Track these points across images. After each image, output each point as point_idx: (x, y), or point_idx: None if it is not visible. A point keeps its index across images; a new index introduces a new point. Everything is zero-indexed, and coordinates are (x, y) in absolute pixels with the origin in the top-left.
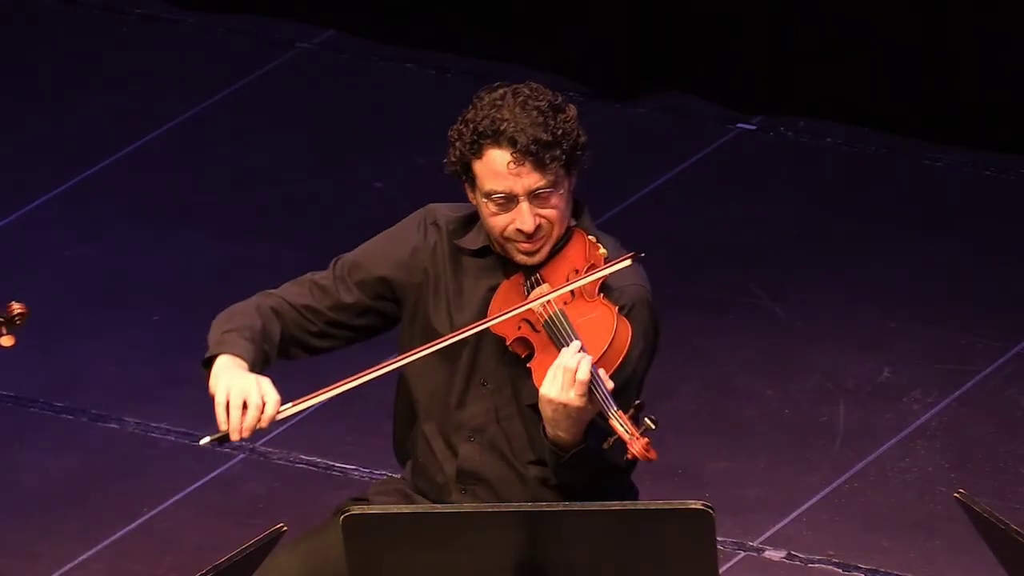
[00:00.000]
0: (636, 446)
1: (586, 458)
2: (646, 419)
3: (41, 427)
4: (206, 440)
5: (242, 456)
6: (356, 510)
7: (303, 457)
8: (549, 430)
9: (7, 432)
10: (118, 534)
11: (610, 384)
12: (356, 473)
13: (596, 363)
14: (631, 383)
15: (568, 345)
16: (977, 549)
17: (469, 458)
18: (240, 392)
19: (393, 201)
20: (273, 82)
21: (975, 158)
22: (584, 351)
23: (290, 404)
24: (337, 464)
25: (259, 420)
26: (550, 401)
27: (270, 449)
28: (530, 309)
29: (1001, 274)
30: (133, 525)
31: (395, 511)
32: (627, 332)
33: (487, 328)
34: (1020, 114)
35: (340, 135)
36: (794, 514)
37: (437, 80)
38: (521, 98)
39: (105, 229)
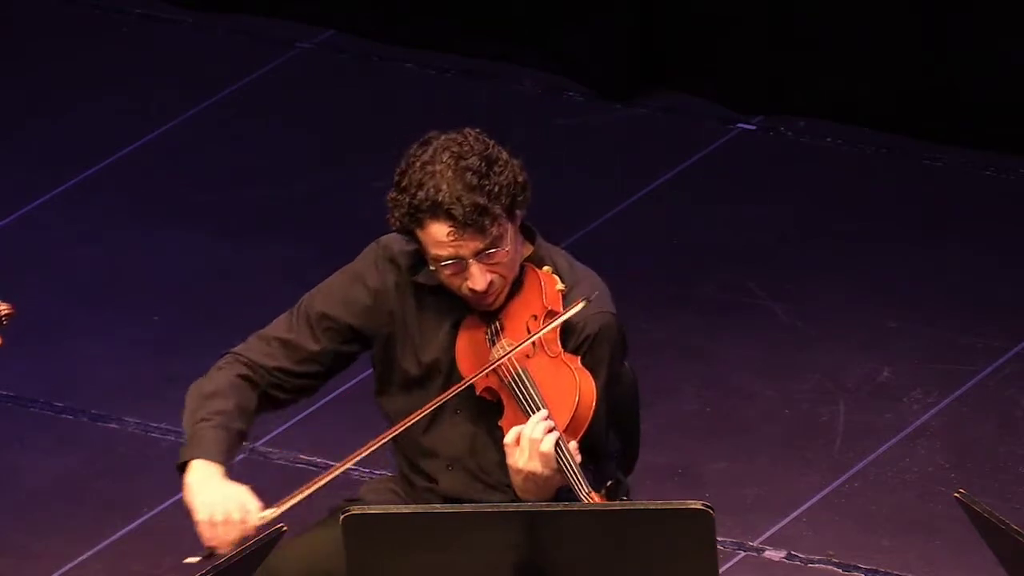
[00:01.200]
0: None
1: None
2: (622, 499)
3: (41, 427)
4: (193, 560)
5: (242, 456)
6: (356, 510)
7: (303, 457)
8: (518, 493)
9: (7, 432)
10: (118, 534)
11: (578, 458)
12: (356, 473)
13: (564, 430)
14: (597, 421)
15: (533, 412)
16: (977, 549)
17: (452, 488)
18: (222, 509)
19: None
20: (273, 82)
21: (975, 158)
22: (550, 419)
23: (271, 509)
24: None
25: (241, 533)
26: (518, 471)
27: (270, 449)
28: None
29: (1001, 274)
30: (133, 525)
31: (395, 511)
32: (590, 389)
33: (454, 369)
34: (1020, 114)
35: (340, 135)
36: (794, 514)
37: (437, 80)
38: (451, 158)
39: (105, 229)
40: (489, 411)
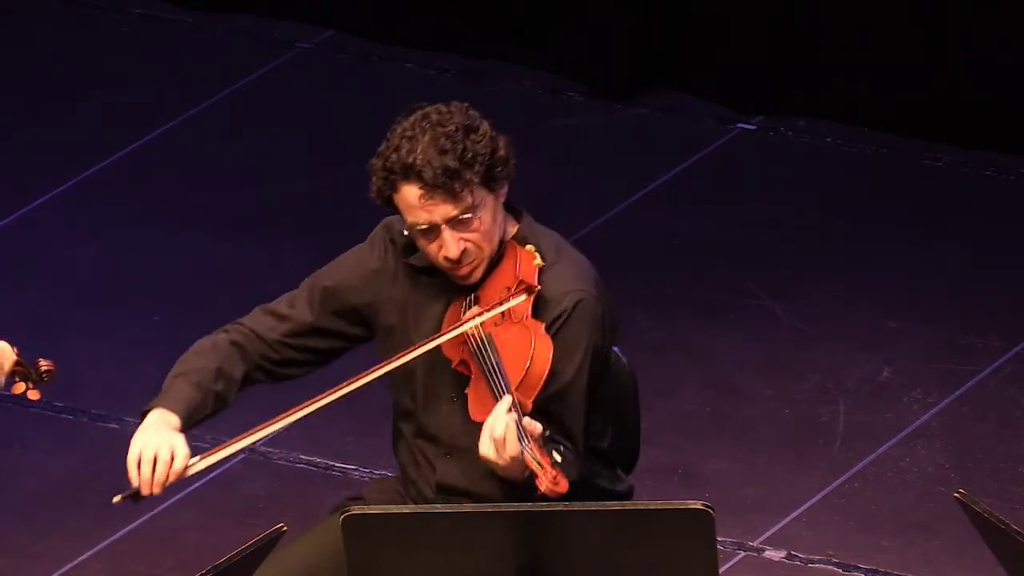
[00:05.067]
0: (544, 481)
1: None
2: (554, 451)
3: (41, 427)
4: (118, 498)
5: (242, 456)
6: (356, 510)
7: (303, 457)
8: (499, 473)
9: (7, 432)
10: (118, 534)
11: (536, 430)
12: (356, 473)
13: (516, 388)
14: (569, 395)
15: (496, 383)
16: (977, 549)
17: (449, 474)
18: (151, 447)
19: None
20: (273, 82)
21: (975, 158)
22: (514, 405)
23: (198, 458)
24: (337, 464)
25: (167, 475)
26: (488, 460)
27: (270, 449)
28: (464, 332)
29: (1001, 274)
30: (133, 525)
31: (395, 511)
32: (546, 353)
33: (439, 347)
34: (1020, 114)
35: (340, 135)
36: (794, 514)
37: (437, 80)
38: (429, 124)
39: (105, 229)
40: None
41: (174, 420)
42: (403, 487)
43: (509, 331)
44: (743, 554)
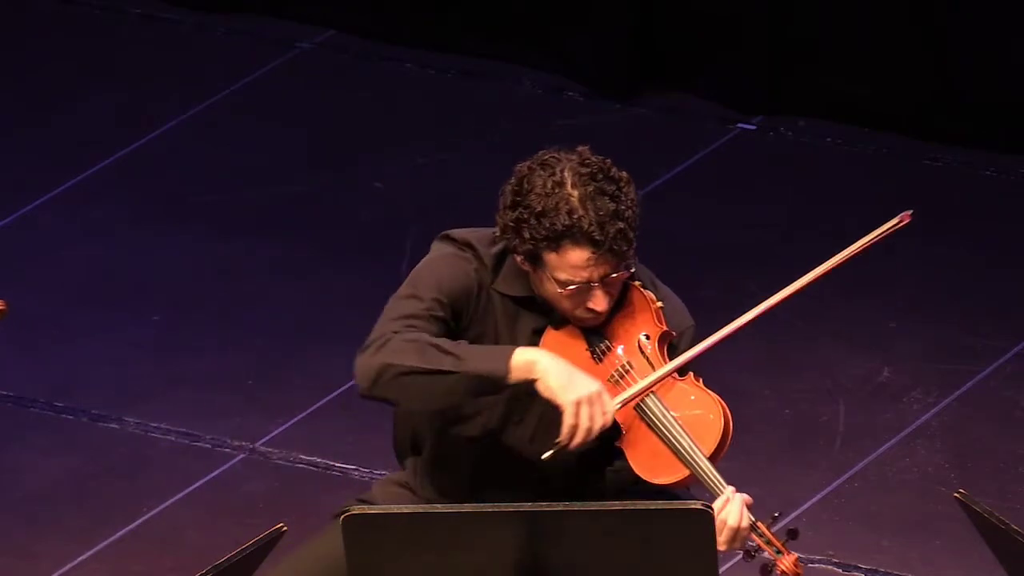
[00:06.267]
0: (786, 563)
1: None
2: (787, 530)
3: (41, 427)
4: (548, 454)
5: (242, 456)
6: (356, 510)
7: (303, 457)
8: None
9: (7, 432)
10: (118, 534)
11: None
12: (356, 473)
13: (710, 456)
14: None
15: (677, 446)
16: (977, 549)
17: (495, 497)
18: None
19: (393, 201)
20: (273, 82)
21: (975, 158)
22: (735, 495)
23: (619, 397)
24: (337, 464)
25: (605, 422)
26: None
27: (270, 449)
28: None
29: (1001, 274)
30: (133, 525)
31: (395, 511)
32: (729, 417)
33: None
34: (1020, 114)
35: (340, 135)
36: (794, 514)
37: (437, 80)
38: (584, 178)
39: (104, 229)
40: (546, 415)
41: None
42: (420, 479)
43: (676, 391)
44: (743, 553)
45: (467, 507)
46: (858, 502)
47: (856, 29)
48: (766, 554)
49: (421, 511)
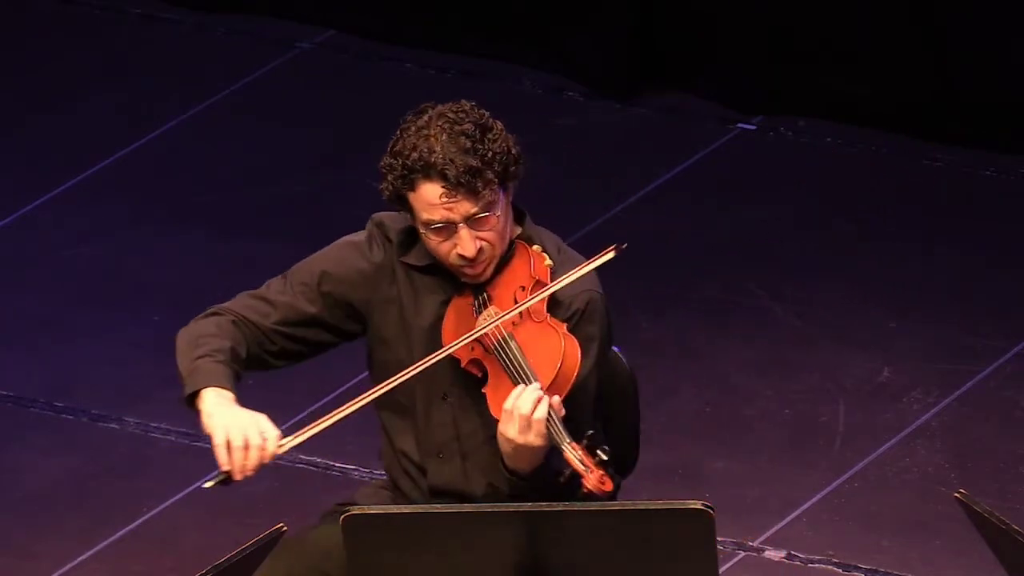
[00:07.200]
0: (591, 480)
1: (540, 479)
2: (598, 451)
3: (41, 427)
4: (210, 484)
5: None
6: (356, 510)
7: (303, 457)
8: (508, 462)
9: (7, 432)
10: (118, 534)
11: (562, 412)
12: (356, 473)
13: (546, 389)
14: (583, 394)
15: (524, 382)
16: (977, 549)
17: (440, 474)
18: (240, 432)
19: None
20: (273, 82)
21: (975, 158)
22: (543, 397)
23: (289, 438)
24: (337, 464)
25: (260, 459)
26: (509, 440)
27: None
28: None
29: (1001, 274)
30: (133, 525)
31: (395, 511)
32: (575, 351)
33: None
34: (1020, 114)
35: (340, 135)
36: (794, 514)
37: (437, 80)
38: (446, 123)
39: (105, 229)
40: (477, 395)
41: (233, 397)
42: (393, 492)
43: (530, 330)
44: (743, 554)
45: (467, 507)
46: (858, 502)
47: (856, 29)
48: (576, 471)
49: (421, 511)
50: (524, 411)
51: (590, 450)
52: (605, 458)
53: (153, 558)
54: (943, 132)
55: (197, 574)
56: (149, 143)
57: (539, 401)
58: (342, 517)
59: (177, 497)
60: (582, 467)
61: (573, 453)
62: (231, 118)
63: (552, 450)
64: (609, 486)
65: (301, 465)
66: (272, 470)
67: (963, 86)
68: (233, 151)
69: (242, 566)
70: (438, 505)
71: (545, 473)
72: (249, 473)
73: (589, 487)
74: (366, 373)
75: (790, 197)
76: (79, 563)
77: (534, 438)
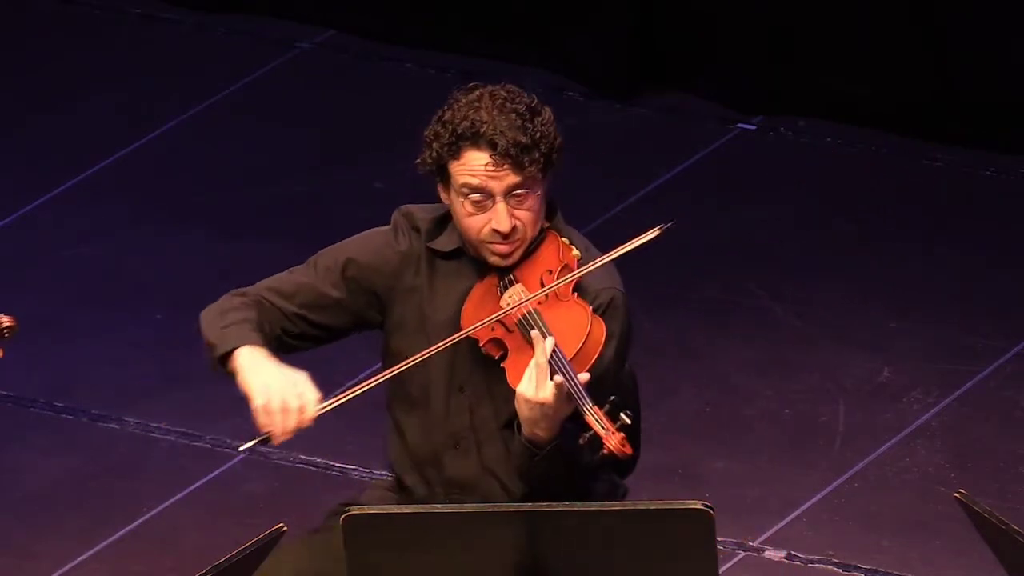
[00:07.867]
0: (612, 441)
1: (559, 455)
2: (621, 414)
3: (41, 427)
4: (247, 446)
5: (242, 456)
6: (356, 510)
7: (303, 457)
8: (525, 429)
9: (7, 432)
10: (118, 534)
11: (584, 377)
12: (356, 473)
13: (570, 360)
14: (605, 381)
15: (543, 341)
16: (977, 549)
17: (456, 466)
18: (279, 394)
19: (393, 201)
20: (273, 82)
21: (975, 158)
22: (558, 348)
23: (328, 401)
24: (337, 464)
25: (300, 423)
26: (527, 400)
27: (270, 449)
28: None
29: (1001, 274)
30: (133, 525)
31: (395, 511)
32: (601, 330)
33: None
34: (1020, 114)
35: (340, 135)
36: (794, 514)
37: (437, 80)
38: (499, 100)
39: (105, 229)
40: (493, 385)
41: (266, 354)
42: (399, 494)
43: (558, 308)
44: (743, 554)
45: (467, 507)
46: (858, 502)
47: (856, 29)
48: (596, 433)
49: (421, 511)
50: (542, 363)
51: (612, 414)
52: (629, 422)
53: (153, 558)
54: (943, 132)
55: (197, 574)
56: (149, 143)
57: (556, 357)
58: (342, 517)
59: (177, 497)
60: (602, 429)
61: (594, 416)
62: (231, 118)
63: (570, 421)
64: (629, 449)
65: (301, 465)
66: (272, 470)
67: (963, 86)
68: (233, 151)
69: (242, 566)
70: (438, 505)
71: (563, 442)
72: (288, 437)
73: (611, 447)
74: (364, 373)
75: (790, 197)
76: (79, 563)
77: (551, 396)
